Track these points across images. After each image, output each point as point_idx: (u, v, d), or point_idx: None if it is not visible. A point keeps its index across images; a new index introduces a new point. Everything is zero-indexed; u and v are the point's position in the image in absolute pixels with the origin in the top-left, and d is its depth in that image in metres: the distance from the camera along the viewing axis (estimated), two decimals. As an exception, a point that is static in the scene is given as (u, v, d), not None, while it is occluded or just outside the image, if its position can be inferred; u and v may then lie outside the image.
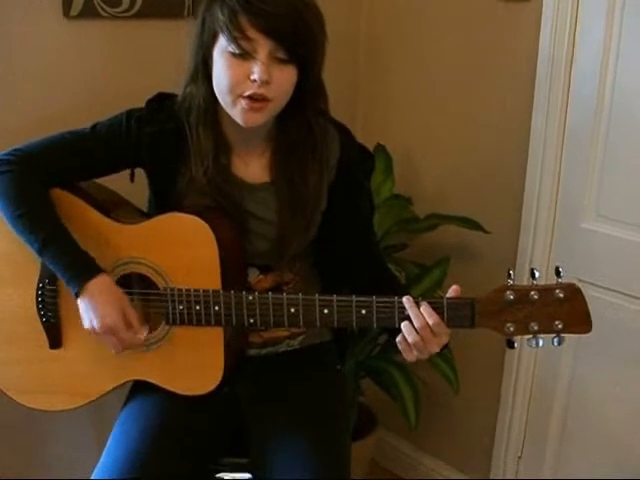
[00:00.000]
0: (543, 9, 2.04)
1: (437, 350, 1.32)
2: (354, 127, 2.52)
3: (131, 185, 1.55)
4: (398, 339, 1.33)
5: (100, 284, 1.38)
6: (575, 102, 2.03)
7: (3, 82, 1.86)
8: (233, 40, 1.32)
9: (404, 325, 1.30)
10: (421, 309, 1.29)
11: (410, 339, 1.30)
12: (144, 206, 1.60)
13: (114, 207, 1.51)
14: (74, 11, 1.91)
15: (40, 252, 1.39)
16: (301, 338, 1.60)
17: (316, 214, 1.50)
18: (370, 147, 2.26)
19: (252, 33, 1.31)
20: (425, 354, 1.33)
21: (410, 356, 1.33)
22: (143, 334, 1.42)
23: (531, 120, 2.11)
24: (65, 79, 1.94)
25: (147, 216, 1.51)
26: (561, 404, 2.19)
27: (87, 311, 1.39)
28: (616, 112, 1.97)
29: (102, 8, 1.95)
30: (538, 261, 2.16)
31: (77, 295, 1.38)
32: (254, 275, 1.52)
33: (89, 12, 1.93)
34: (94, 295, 1.37)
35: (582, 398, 2.14)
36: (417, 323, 1.29)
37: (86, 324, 1.39)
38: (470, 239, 2.29)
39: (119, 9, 1.98)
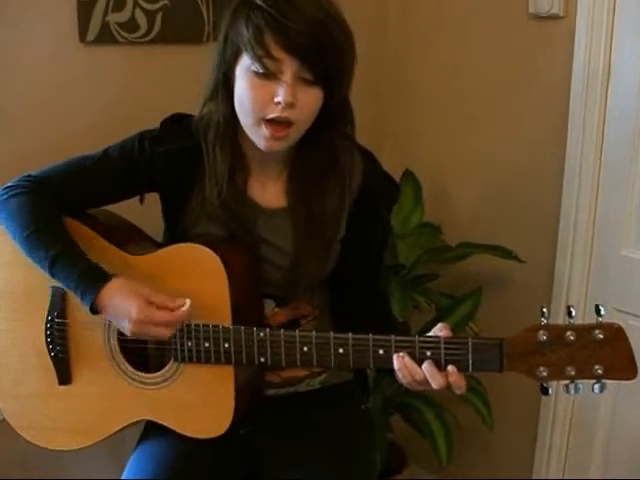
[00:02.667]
0: (577, 25, 1.97)
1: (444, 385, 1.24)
2: (382, 152, 2.46)
3: (146, 213, 1.48)
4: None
5: (112, 288, 1.29)
6: (613, 121, 1.96)
7: (18, 106, 1.83)
8: (257, 59, 1.25)
9: (426, 368, 1.22)
10: (423, 367, 1.21)
11: (434, 384, 1.23)
12: (158, 234, 1.53)
13: (124, 236, 1.45)
14: (90, 36, 1.87)
15: (51, 269, 1.33)
16: (322, 377, 1.51)
17: (334, 243, 1.41)
18: (399, 173, 2.21)
19: (277, 52, 1.24)
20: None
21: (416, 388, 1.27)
22: (184, 304, 1.28)
23: (567, 142, 2.03)
24: (80, 105, 1.90)
25: (157, 246, 1.44)
26: (602, 443, 2.08)
27: (116, 320, 1.31)
28: (657, 131, 1.87)
29: (119, 33, 1.91)
30: (575, 291, 2.08)
31: (94, 309, 1.30)
32: (270, 307, 1.44)
33: (105, 37, 1.89)
34: (110, 301, 1.29)
35: (624, 437, 2.02)
36: (435, 384, 1.22)
37: (126, 331, 1.30)
38: (503, 268, 2.20)
39: (136, 34, 1.94)
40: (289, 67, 1.25)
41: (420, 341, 1.21)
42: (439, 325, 1.24)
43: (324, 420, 1.46)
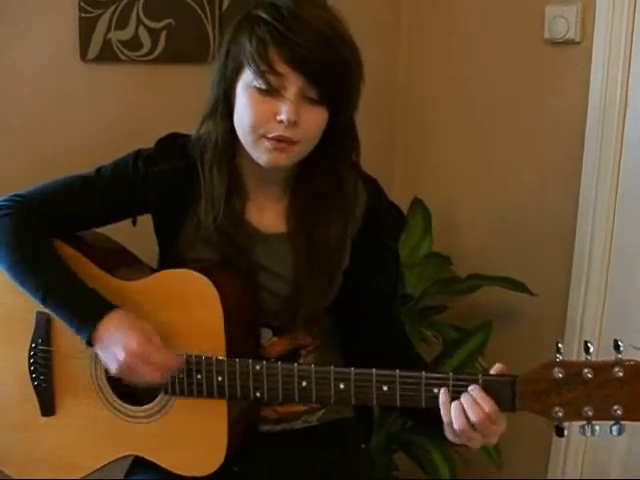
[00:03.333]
0: (593, 51, 1.92)
1: (494, 442, 1.14)
2: (391, 180, 2.41)
3: (139, 235, 1.41)
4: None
5: (114, 320, 1.22)
6: (630, 150, 1.91)
7: (16, 123, 1.79)
8: (260, 74, 1.18)
9: (454, 407, 1.12)
10: (472, 393, 1.11)
11: (457, 425, 1.12)
12: (151, 258, 1.45)
13: (114, 260, 1.38)
14: (91, 54, 1.83)
15: (43, 299, 1.26)
16: (320, 414, 1.42)
17: (337, 272, 1.34)
18: (408, 201, 2.14)
19: (282, 68, 1.18)
20: (476, 445, 1.14)
21: (457, 441, 1.16)
22: (181, 357, 1.23)
23: (582, 171, 1.97)
24: (80, 123, 1.86)
25: (150, 271, 1.37)
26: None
27: (107, 352, 1.22)
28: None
29: (121, 51, 1.87)
30: (590, 325, 2.00)
31: (90, 342, 1.22)
32: (267, 337, 1.36)
33: (107, 55, 1.85)
34: (109, 332, 1.21)
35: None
36: (474, 417, 1.10)
37: (112, 367, 1.22)
38: (514, 301, 2.13)
39: (139, 53, 1.90)
40: (293, 84, 1.18)
41: (427, 377, 1.13)
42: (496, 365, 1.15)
43: (321, 460, 1.38)
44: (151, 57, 1.91)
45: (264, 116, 1.20)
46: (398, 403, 1.14)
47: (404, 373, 1.14)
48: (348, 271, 1.35)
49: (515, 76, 2.10)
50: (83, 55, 1.82)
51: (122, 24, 1.85)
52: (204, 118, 1.31)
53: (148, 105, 1.94)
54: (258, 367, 1.20)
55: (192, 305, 1.24)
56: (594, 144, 1.93)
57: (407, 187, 2.26)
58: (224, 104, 1.27)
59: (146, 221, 1.41)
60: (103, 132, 1.87)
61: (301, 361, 1.36)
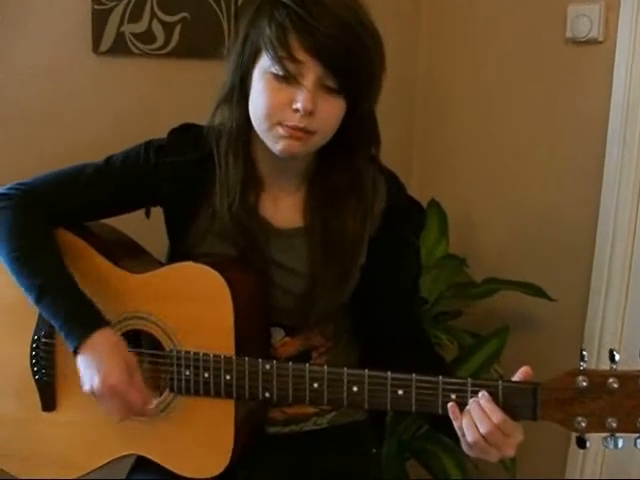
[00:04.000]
0: (617, 51, 1.86)
1: (512, 454, 1.07)
2: (408, 179, 2.35)
3: (148, 228, 1.37)
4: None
5: (104, 338, 1.19)
6: (653, 154, 1.82)
7: (28, 116, 1.76)
8: (278, 60, 1.14)
9: (465, 420, 1.07)
10: (480, 402, 1.06)
11: (469, 437, 1.07)
12: (162, 253, 1.42)
13: (123, 252, 1.34)
14: (104, 47, 1.80)
15: (37, 300, 1.23)
16: (331, 416, 1.38)
17: (353, 268, 1.29)
18: (424, 202, 2.09)
19: (300, 54, 1.13)
20: (493, 458, 1.09)
21: (473, 454, 1.10)
22: (152, 402, 1.21)
23: (603, 173, 1.91)
24: (91, 117, 1.83)
25: (159, 264, 1.33)
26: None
27: (87, 369, 1.19)
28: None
29: (134, 44, 1.83)
30: (609, 333, 1.94)
31: (76, 351, 1.19)
32: (279, 337, 1.32)
33: (120, 48, 1.82)
34: (96, 351, 1.18)
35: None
36: (483, 428, 1.05)
37: (86, 385, 1.20)
38: (532, 307, 2.07)
39: (153, 46, 1.86)
40: (311, 71, 1.14)
41: (444, 382, 1.08)
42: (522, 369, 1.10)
43: (330, 465, 1.34)
44: (165, 51, 1.88)
45: (280, 103, 1.16)
46: (414, 409, 1.09)
47: (420, 377, 1.09)
48: (366, 268, 1.31)
49: (536, 76, 2.05)
50: (95, 48, 1.79)
51: (136, 17, 1.81)
52: (219, 104, 1.28)
53: (160, 100, 1.90)
54: (268, 366, 1.16)
55: (201, 300, 1.20)
56: (616, 146, 1.87)
57: (424, 186, 2.21)
58: (240, 90, 1.23)
59: (155, 215, 1.38)
60: (114, 126, 1.83)
61: (312, 363, 1.32)
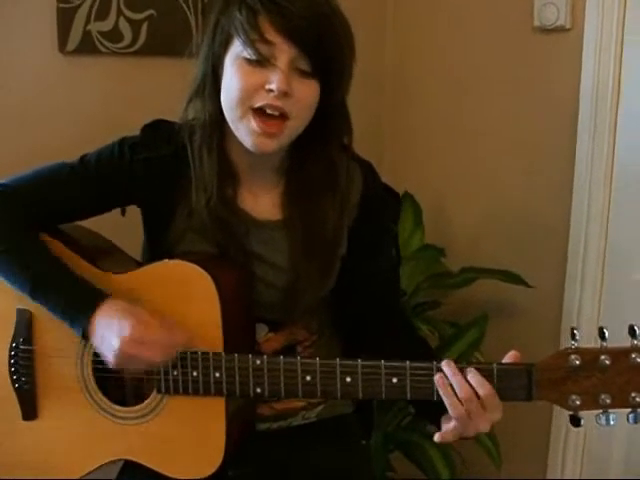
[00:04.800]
0: (585, 39, 1.88)
1: (487, 429, 1.08)
2: (379, 174, 2.35)
3: (123, 229, 1.35)
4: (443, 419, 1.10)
5: (109, 309, 1.16)
6: (623, 140, 1.87)
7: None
8: (250, 43, 1.13)
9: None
10: (468, 377, 1.06)
11: (453, 412, 1.06)
12: (137, 254, 1.39)
13: (100, 253, 1.32)
14: (71, 46, 1.76)
15: (32, 292, 1.21)
16: (319, 409, 1.37)
17: (334, 259, 1.29)
18: (396, 193, 2.09)
19: (273, 36, 1.12)
20: (470, 432, 1.09)
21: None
22: (183, 334, 1.16)
23: (575, 159, 1.93)
24: (59, 118, 1.79)
25: (138, 264, 1.31)
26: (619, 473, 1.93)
27: (104, 342, 1.16)
28: (671, 150, 1.78)
29: (101, 43, 1.80)
30: (586, 317, 1.96)
31: (85, 335, 1.17)
32: (262, 333, 1.30)
33: (87, 47, 1.79)
34: (105, 322, 1.16)
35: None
36: (462, 393, 1.05)
37: (110, 359, 1.16)
38: (509, 295, 2.08)
39: (120, 45, 1.83)
40: (285, 53, 1.13)
41: (439, 368, 1.07)
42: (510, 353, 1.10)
43: (320, 459, 1.32)
44: (132, 49, 1.85)
45: (252, 86, 1.14)
46: (408, 396, 1.09)
47: (414, 364, 1.08)
48: (346, 258, 1.30)
49: (505, 65, 2.06)
50: (62, 47, 1.75)
51: (102, 15, 1.78)
52: (191, 97, 1.25)
53: (129, 99, 1.87)
54: (258, 362, 1.14)
55: (187, 298, 1.18)
56: (587, 132, 1.89)
57: (395, 179, 2.18)
58: (212, 81, 1.21)
59: (128, 214, 1.35)
60: (83, 126, 1.80)
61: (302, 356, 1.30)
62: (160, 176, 1.26)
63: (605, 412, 1.04)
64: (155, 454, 1.22)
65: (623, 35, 1.83)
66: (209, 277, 1.17)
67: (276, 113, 1.14)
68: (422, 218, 2.12)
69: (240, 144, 1.21)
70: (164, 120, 1.31)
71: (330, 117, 1.22)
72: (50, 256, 1.23)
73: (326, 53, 1.14)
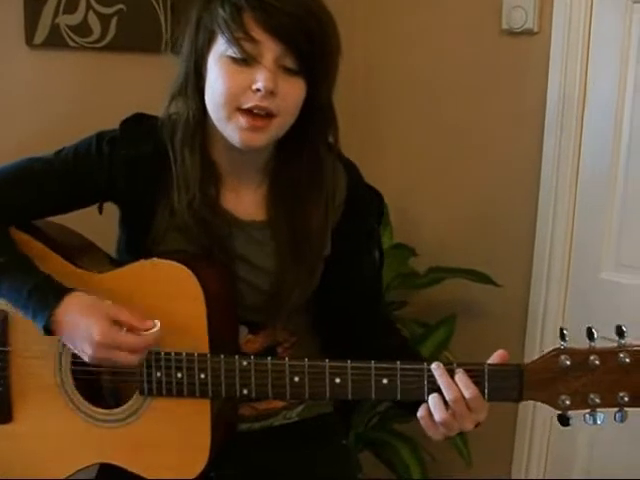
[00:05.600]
0: (552, 43, 1.91)
1: (470, 428, 1.09)
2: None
3: (97, 225, 1.32)
4: (420, 413, 1.10)
5: (72, 303, 1.13)
6: (589, 141, 1.91)
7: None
8: (234, 41, 1.10)
9: (432, 398, 1.07)
10: (455, 378, 1.07)
11: (438, 416, 1.07)
12: (111, 250, 1.36)
13: (78, 251, 1.28)
14: (38, 39, 1.72)
15: None
16: (300, 409, 1.35)
17: (319, 260, 1.27)
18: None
19: (258, 34, 1.10)
20: (453, 432, 1.10)
21: (436, 434, 1.10)
22: (152, 326, 1.12)
23: (541, 162, 1.96)
24: (26, 113, 1.75)
25: (118, 263, 1.27)
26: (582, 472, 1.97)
27: (75, 343, 1.13)
28: (635, 152, 1.83)
29: (70, 37, 1.76)
30: (552, 316, 2.00)
31: (48, 330, 1.13)
32: (242, 334, 1.28)
33: (55, 41, 1.75)
34: (69, 318, 1.12)
35: (606, 462, 1.92)
36: (449, 395, 1.06)
37: (86, 358, 1.13)
38: (475, 294, 2.10)
39: (89, 39, 1.80)
40: (270, 50, 1.11)
41: (429, 369, 1.07)
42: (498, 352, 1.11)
43: (303, 459, 1.32)
44: (101, 44, 1.81)
45: (239, 86, 1.12)
46: (399, 396, 1.09)
47: (406, 365, 1.08)
48: (330, 259, 1.29)
49: (473, 67, 2.08)
50: (29, 40, 1.71)
51: (71, 8, 1.75)
52: (173, 95, 1.22)
53: (98, 94, 1.83)
54: (245, 363, 1.13)
55: (171, 298, 1.16)
56: (553, 135, 1.93)
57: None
58: (195, 79, 1.19)
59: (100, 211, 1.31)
60: (50, 122, 1.76)
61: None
62: (141, 173, 1.23)
63: (593, 412, 1.06)
64: (137, 457, 1.19)
65: (590, 39, 1.86)
66: (194, 276, 1.15)
67: (262, 113, 1.13)
68: (389, 218, 2.13)
69: (223, 143, 1.19)
70: (144, 114, 1.28)
71: (316, 115, 1.21)
72: (16, 249, 1.20)
73: (313, 50, 1.12)
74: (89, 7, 1.77)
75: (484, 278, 1.97)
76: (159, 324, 1.11)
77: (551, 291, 1.98)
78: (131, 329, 1.11)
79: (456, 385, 1.06)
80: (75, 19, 1.76)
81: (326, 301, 1.31)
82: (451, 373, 1.07)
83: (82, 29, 1.77)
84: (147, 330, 1.11)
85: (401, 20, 2.23)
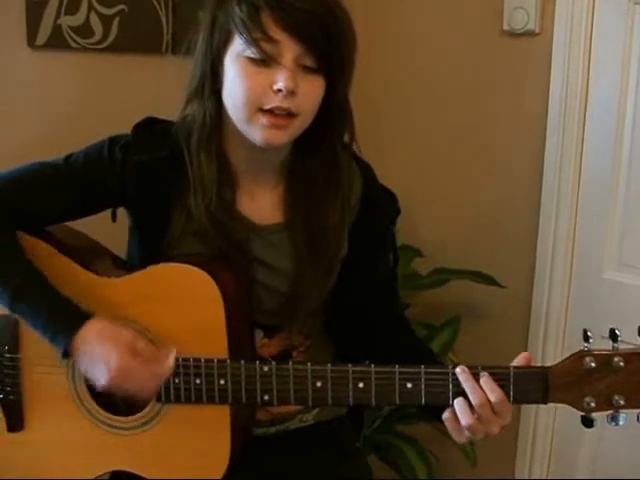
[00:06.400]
0: (553, 43, 1.91)
1: (496, 432, 1.08)
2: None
3: (108, 229, 1.30)
4: (446, 416, 1.09)
5: (94, 329, 1.11)
6: (591, 142, 1.91)
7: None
8: (253, 42, 1.08)
9: (458, 402, 1.07)
10: (481, 382, 1.06)
11: (464, 421, 1.06)
12: (122, 254, 1.35)
13: (91, 256, 1.26)
14: (40, 40, 1.70)
15: (12, 304, 1.15)
16: (316, 411, 1.34)
17: (336, 262, 1.26)
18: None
19: (277, 33, 1.08)
20: (479, 436, 1.09)
21: (460, 437, 1.10)
22: (170, 359, 1.11)
23: (544, 163, 1.96)
24: (27, 114, 1.74)
25: (132, 267, 1.25)
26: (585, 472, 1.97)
27: (90, 369, 1.12)
28: (638, 151, 1.84)
29: (72, 38, 1.74)
30: (555, 316, 2.00)
31: (66, 354, 1.12)
32: (258, 338, 1.27)
33: (57, 42, 1.73)
34: (88, 345, 1.11)
35: (610, 461, 1.92)
36: (475, 400, 1.05)
37: (98, 385, 1.12)
38: (478, 295, 2.10)
39: (91, 40, 1.78)
40: (290, 50, 1.09)
41: (454, 373, 1.07)
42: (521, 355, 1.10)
43: (320, 463, 1.31)
44: (103, 45, 1.80)
45: (259, 87, 1.11)
46: (423, 401, 1.08)
47: (430, 369, 1.07)
48: (346, 259, 1.28)
49: (474, 68, 2.07)
50: (31, 41, 1.70)
51: (73, 9, 1.73)
52: (189, 97, 1.20)
53: (100, 96, 1.83)
54: (266, 368, 1.11)
55: (189, 302, 1.14)
56: (556, 136, 1.92)
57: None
58: (211, 80, 1.17)
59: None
60: (53, 123, 1.75)
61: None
62: (155, 178, 1.21)
63: (615, 413, 1.06)
64: (154, 466, 1.18)
65: (592, 40, 1.86)
66: (212, 280, 1.13)
67: (283, 113, 1.12)
68: (394, 220, 2.12)
69: (239, 144, 1.18)
70: (155, 118, 1.26)
71: (333, 113, 1.20)
72: (32, 268, 1.17)
73: (332, 48, 1.11)
74: (91, 8, 1.75)
75: (488, 279, 1.97)
76: (174, 352, 1.10)
77: (554, 291, 1.98)
78: (148, 359, 1.10)
79: (482, 389, 1.06)
80: (77, 20, 1.74)
81: (340, 302, 1.30)
82: (476, 377, 1.07)
83: (84, 30, 1.76)
84: (165, 357, 1.10)
85: (402, 21, 2.22)
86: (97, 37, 1.78)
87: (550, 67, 1.92)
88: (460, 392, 1.07)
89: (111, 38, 1.80)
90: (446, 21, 2.11)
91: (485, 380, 1.06)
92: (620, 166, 1.86)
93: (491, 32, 2.02)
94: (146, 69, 1.86)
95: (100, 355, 1.10)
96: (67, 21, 1.72)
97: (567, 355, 1.06)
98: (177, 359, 1.13)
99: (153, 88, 1.87)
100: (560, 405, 1.07)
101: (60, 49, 1.73)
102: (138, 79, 1.85)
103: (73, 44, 1.74)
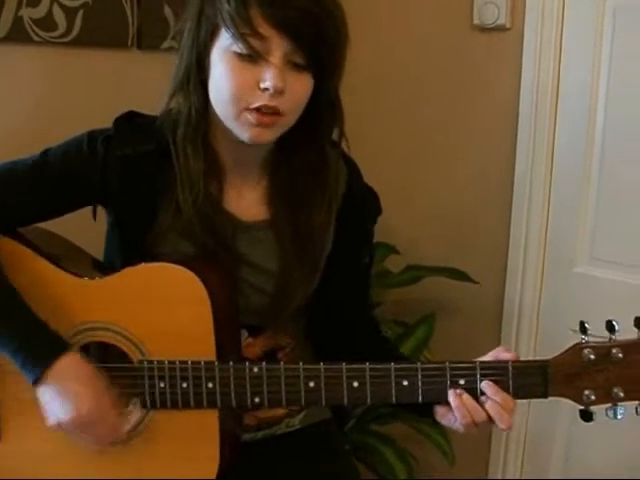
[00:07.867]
0: (525, 38, 1.91)
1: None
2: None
3: (84, 230, 1.24)
4: (441, 412, 1.08)
5: (68, 366, 1.07)
6: (563, 137, 1.92)
7: None
8: (240, 37, 1.04)
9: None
10: (482, 386, 1.05)
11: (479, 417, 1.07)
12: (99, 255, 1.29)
13: (67, 257, 1.20)
14: (0, 33, 1.61)
15: None
16: (302, 415, 1.31)
17: (321, 261, 1.23)
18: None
19: (265, 30, 1.04)
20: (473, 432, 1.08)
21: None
22: (126, 425, 1.10)
23: (515, 159, 1.96)
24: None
25: (112, 268, 1.19)
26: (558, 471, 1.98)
27: (53, 402, 1.07)
28: (609, 146, 1.84)
29: (34, 32, 1.67)
30: (528, 311, 2.01)
31: (36, 383, 1.07)
32: (242, 338, 1.23)
33: (19, 35, 1.65)
34: (61, 381, 1.06)
35: (582, 461, 1.93)
36: (478, 418, 1.08)
37: (51, 419, 1.08)
38: (451, 292, 2.08)
39: (54, 34, 1.70)
40: (278, 47, 1.05)
41: (452, 368, 1.04)
42: (499, 348, 1.09)
43: (310, 467, 1.27)
44: (67, 39, 1.72)
45: (246, 84, 1.07)
46: (420, 398, 1.05)
47: (427, 365, 1.05)
48: (330, 257, 1.25)
49: (444, 63, 2.06)
50: (-9, 33, 1.61)
51: (35, 0, 1.65)
52: (174, 90, 1.16)
53: (63, 91, 1.75)
54: (256, 370, 1.07)
55: (175, 303, 1.10)
56: (527, 130, 1.93)
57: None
58: (197, 73, 1.13)
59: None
60: (14, 120, 1.67)
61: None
62: (140, 173, 1.16)
63: (613, 406, 1.04)
64: (139, 475, 1.13)
65: (562, 35, 1.87)
66: (198, 279, 1.09)
67: (270, 111, 1.08)
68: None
69: (225, 138, 1.15)
70: (137, 112, 1.21)
71: (322, 110, 1.16)
72: (5, 285, 1.12)
73: (322, 44, 1.07)
74: (54, 0, 1.68)
75: (462, 276, 1.96)
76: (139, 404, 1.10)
77: (526, 286, 1.99)
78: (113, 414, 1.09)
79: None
80: (39, 12, 1.66)
81: (321, 301, 1.27)
82: (473, 371, 1.05)
83: (47, 23, 1.67)
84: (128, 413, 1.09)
85: (372, 18, 2.19)
86: (60, 30, 1.70)
87: (521, 62, 1.92)
88: (456, 387, 1.05)
89: (75, 32, 1.72)
90: (417, 16, 2.10)
91: (486, 385, 1.06)
92: (591, 161, 1.87)
93: (461, 27, 2.01)
94: (111, 63, 1.80)
95: (73, 396, 1.07)
96: (29, 13, 1.63)
97: (564, 349, 1.04)
98: (162, 362, 1.09)
99: (119, 82, 1.81)
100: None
101: (22, 43, 1.65)
102: (103, 74, 1.78)
103: (35, 37, 1.66)
